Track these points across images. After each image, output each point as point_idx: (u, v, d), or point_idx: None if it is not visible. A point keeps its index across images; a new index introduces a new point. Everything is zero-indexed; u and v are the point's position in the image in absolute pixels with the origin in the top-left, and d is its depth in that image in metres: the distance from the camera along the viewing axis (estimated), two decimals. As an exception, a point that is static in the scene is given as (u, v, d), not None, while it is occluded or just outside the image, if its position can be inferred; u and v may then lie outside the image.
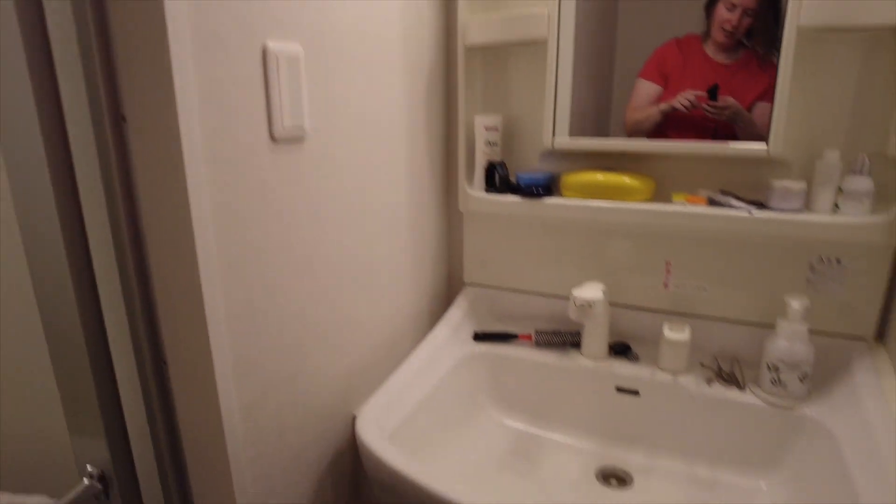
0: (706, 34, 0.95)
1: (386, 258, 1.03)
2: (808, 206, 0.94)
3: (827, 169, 0.91)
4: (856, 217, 0.90)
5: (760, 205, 0.96)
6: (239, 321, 0.70)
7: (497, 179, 1.11)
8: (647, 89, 1.00)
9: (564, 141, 1.06)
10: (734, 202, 0.96)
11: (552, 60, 1.02)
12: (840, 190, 0.92)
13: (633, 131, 1.02)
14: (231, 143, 0.66)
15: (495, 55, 1.13)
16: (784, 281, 1.01)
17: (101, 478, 0.75)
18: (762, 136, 0.92)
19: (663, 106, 0.98)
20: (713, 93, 0.95)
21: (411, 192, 1.09)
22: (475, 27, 1.06)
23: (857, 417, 0.86)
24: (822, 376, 0.96)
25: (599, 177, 1.03)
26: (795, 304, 0.92)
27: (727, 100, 0.94)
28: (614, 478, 0.98)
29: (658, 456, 1.01)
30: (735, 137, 0.95)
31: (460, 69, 1.11)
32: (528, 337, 1.14)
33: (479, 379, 1.12)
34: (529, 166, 1.16)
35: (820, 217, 0.92)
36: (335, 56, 0.82)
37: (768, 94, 0.90)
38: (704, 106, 0.95)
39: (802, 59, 0.88)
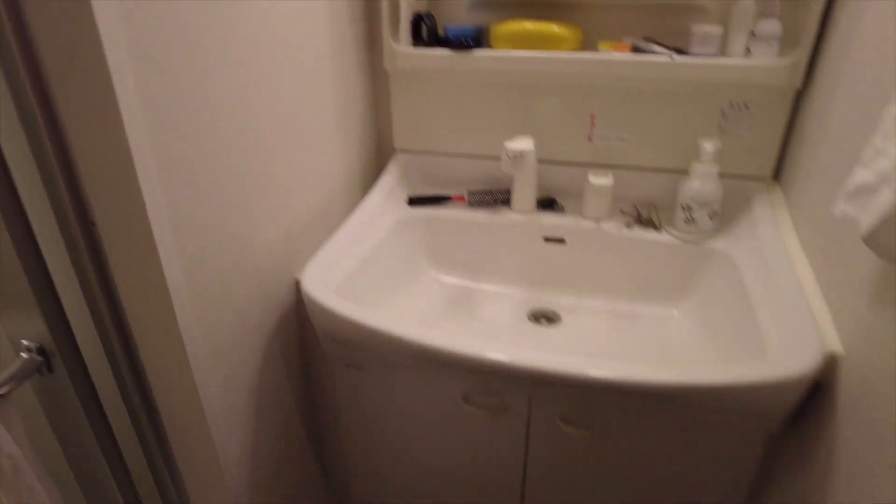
0: None
1: (313, 120, 0.99)
2: (723, 50, 0.98)
3: (742, 13, 0.95)
4: (765, 59, 0.96)
5: (680, 51, 0.99)
6: (171, 177, 0.66)
7: (425, 32, 1.07)
8: None
9: (493, -13, 1.02)
10: (656, 48, 0.98)
11: None
12: (752, 33, 0.96)
13: None
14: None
15: None
16: (698, 128, 1.07)
17: (41, 351, 0.72)
18: None
19: None
20: None
21: (333, 51, 1.03)
22: None
23: (754, 246, 0.97)
24: (727, 214, 1.06)
25: (529, 26, 1.02)
26: (708, 146, 0.98)
27: None
28: (544, 318, 1.07)
29: (583, 296, 1.10)
30: None
31: None
32: (461, 198, 1.16)
33: (416, 241, 1.14)
34: (457, 18, 1.12)
35: (734, 60, 0.96)
36: None
37: None
38: None
39: None
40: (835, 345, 0.73)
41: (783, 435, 0.82)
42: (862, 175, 0.62)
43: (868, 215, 0.59)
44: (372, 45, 1.18)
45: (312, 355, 1.07)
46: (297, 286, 0.99)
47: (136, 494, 0.82)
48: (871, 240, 0.57)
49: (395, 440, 1.06)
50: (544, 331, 1.04)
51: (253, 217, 0.84)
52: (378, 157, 1.31)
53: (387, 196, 1.16)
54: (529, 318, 1.07)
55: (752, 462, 0.85)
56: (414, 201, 1.17)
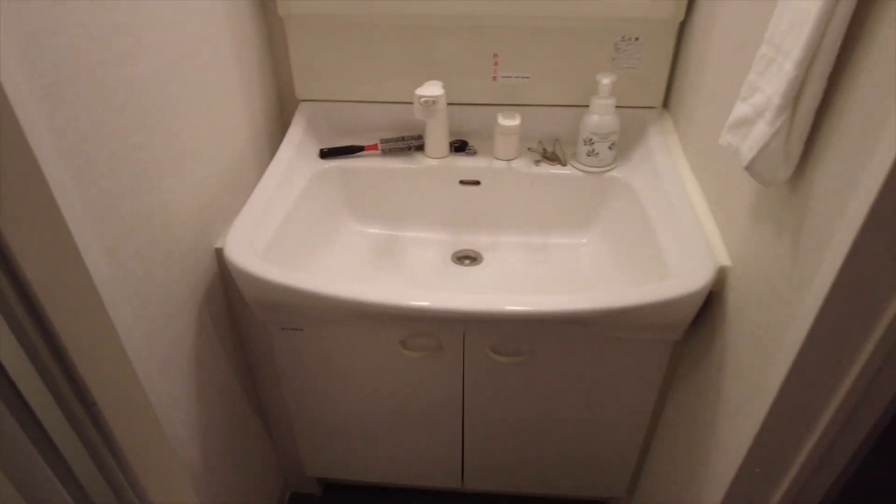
0: None
1: (212, 77, 0.94)
2: (614, -13, 1.02)
3: (630, -51, 0.99)
4: (652, -5, 1.01)
5: (575, -11, 1.02)
6: (74, 159, 0.62)
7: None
8: None
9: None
10: (554, -13, 1.01)
11: None
12: (640, -31, 1.00)
13: None
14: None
15: None
16: (595, 63, 1.12)
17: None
18: None
19: None
20: None
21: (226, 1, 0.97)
22: None
23: (650, 172, 1.06)
24: (624, 143, 1.14)
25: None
26: (605, 80, 1.04)
27: None
28: (467, 258, 1.12)
29: (501, 233, 1.16)
30: None
31: None
32: (375, 147, 1.16)
33: (334, 194, 1.14)
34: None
35: (624, -3, 1.01)
36: None
37: None
38: None
39: None
40: (724, 259, 0.84)
41: (684, 342, 0.94)
42: (741, 108, 0.70)
43: (747, 145, 0.67)
44: (262, -9, 1.11)
45: (245, 322, 1.07)
46: (218, 254, 0.96)
47: (85, 494, 0.80)
48: (751, 168, 0.65)
49: (339, 394, 1.10)
50: (468, 270, 1.09)
51: (163, 190, 0.81)
52: (282, 109, 1.26)
53: (297, 150, 1.13)
54: (454, 260, 1.11)
55: (660, 367, 0.97)
56: (326, 153, 1.15)
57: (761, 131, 0.63)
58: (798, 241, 0.64)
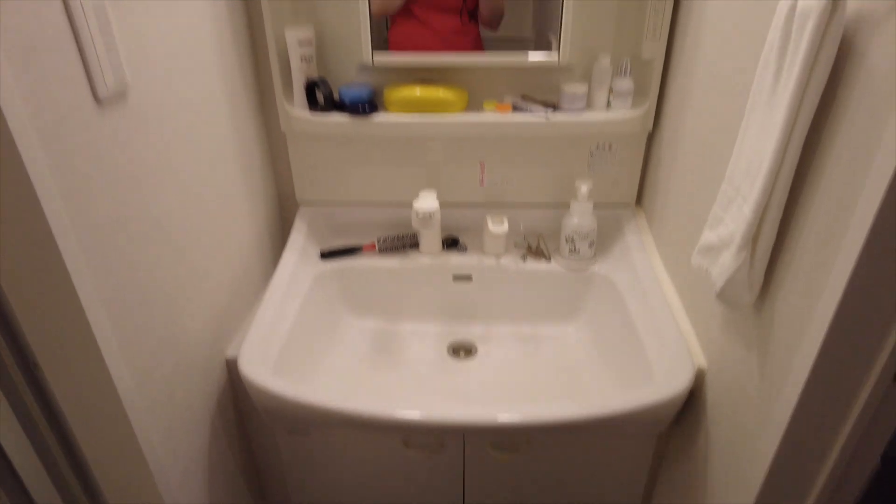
0: None
1: (220, 191, 1.01)
2: (589, 104, 1.14)
3: (601, 72, 1.11)
4: (622, 112, 1.13)
5: (554, 106, 1.13)
6: (112, 303, 0.68)
7: (320, 97, 1.11)
8: None
9: (384, 58, 1.09)
10: (533, 107, 1.12)
11: (362, -23, 1.01)
12: (611, 89, 1.12)
13: (386, 5, 1.07)
14: (55, 115, 0.59)
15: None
16: (572, 166, 1.23)
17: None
18: (500, 8, 1.09)
19: None
20: None
21: (232, 118, 1.05)
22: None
23: (628, 267, 1.15)
24: (603, 239, 1.23)
25: (418, 91, 1.10)
26: (583, 187, 1.14)
27: None
28: (463, 350, 1.18)
29: (493, 325, 1.23)
30: (477, 9, 1.09)
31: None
32: (372, 246, 1.23)
33: (335, 294, 1.20)
34: (347, 77, 1.17)
35: (598, 115, 1.12)
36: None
37: None
38: None
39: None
40: (700, 359, 0.92)
41: (667, 433, 1.01)
42: (708, 236, 0.79)
43: (717, 271, 0.76)
44: (264, 107, 1.20)
45: (254, 426, 1.10)
46: (229, 365, 1.01)
47: None
48: (722, 296, 0.74)
49: (343, 491, 1.13)
50: (464, 365, 1.15)
51: (185, 315, 0.86)
52: (281, 209, 1.33)
53: (300, 255, 1.20)
54: (449, 352, 1.18)
55: (646, 457, 1.04)
56: (326, 255, 1.22)
57: (727, 263, 0.72)
58: (765, 357, 0.73)
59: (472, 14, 1.10)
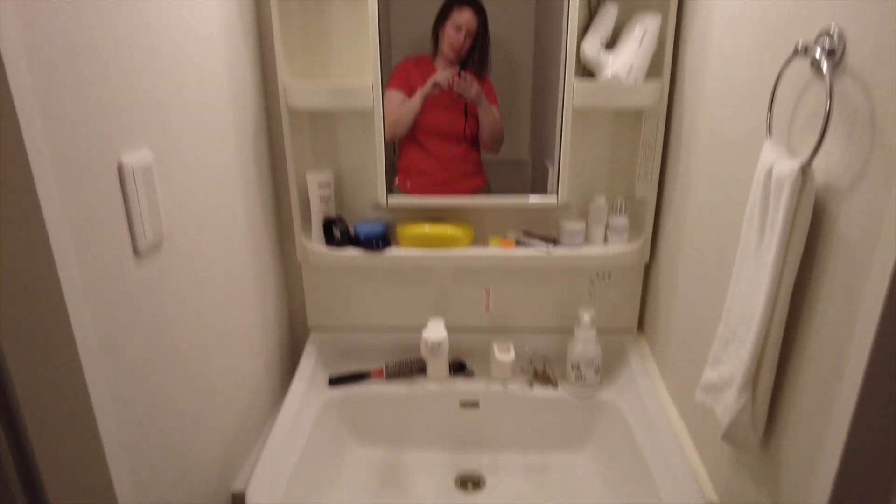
0: (434, 53, 1.15)
1: (237, 321, 1.05)
2: (587, 239, 1.21)
3: (597, 211, 1.19)
4: (619, 247, 1.20)
5: (554, 241, 1.20)
6: (129, 432, 0.69)
7: (338, 234, 1.19)
8: (397, 97, 1.16)
9: (397, 199, 1.18)
10: (536, 243, 1.19)
11: (379, 128, 1.12)
12: (608, 225, 1.20)
13: (395, 132, 1.17)
14: (99, 271, 0.65)
15: (323, 117, 1.19)
16: (574, 293, 1.28)
17: None
18: (496, 119, 1.17)
19: (425, 87, 1.14)
20: (464, 64, 1.14)
21: (253, 252, 1.11)
22: (299, 94, 1.11)
23: (634, 395, 1.16)
24: (608, 364, 1.26)
25: (428, 228, 1.18)
26: (586, 315, 1.18)
27: (471, 78, 1.14)
28: (470, 482, 1.17)
29: (501, 454, 1.22)
30: (477, 119, 1.18)
31: (286, 131, 1.15)
32: (380, 372, 1.25)
33: (342, 423, 1.20)
34: (362, 214, 1.26)
35: (596, 249, 1.19)
36: (178, 149, 0.82)
37: (490, 96, 1.15)
38: (457, 80, 1.14)
39: (575, 131, 1.12)
40: (711, 495, 0.91)
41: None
42: (710, 374, 0.82)
43: (720, 410, 0.78)
44: (282, 237, 1.28)
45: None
46: (235, 499, 1.00)
47: None
48: (727, 437, 0.75)
49: None
50: (471, 499, 1.13)
51: (198, 447, 0.87)
52: (292, 335, 1.37)
53: (308, 382, 1.21)
54: (457, 485, 1.16)
55: None
56: (334, 381, 1.24)
57: (730, 403, 0.75)
58: (777, 496, 0.73)
59: (475, 140, 1.20)
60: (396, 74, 1.14)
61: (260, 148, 1.15)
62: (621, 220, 1.18)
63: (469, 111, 1.17)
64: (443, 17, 1.11)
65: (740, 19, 0.84)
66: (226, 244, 0.99)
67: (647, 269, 1.27)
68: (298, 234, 1.22)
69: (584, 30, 1.08)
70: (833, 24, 0.62)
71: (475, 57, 1.13)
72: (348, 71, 1.15)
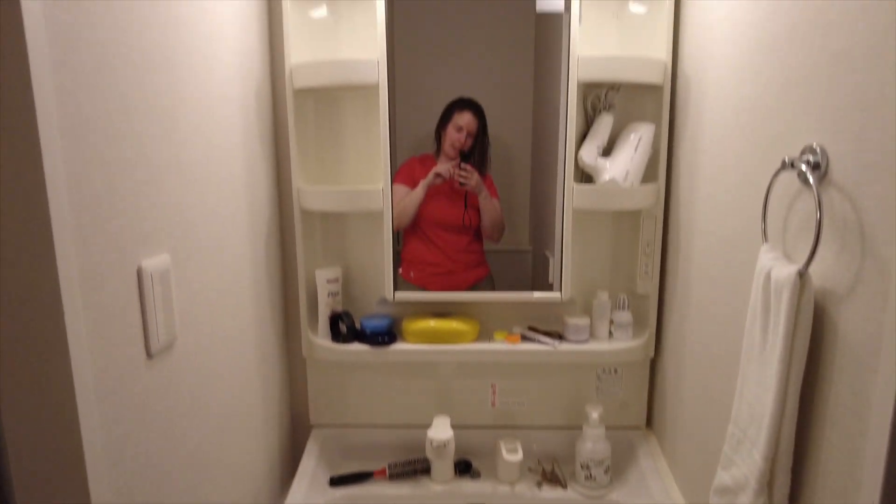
0: (437, 152, 1.22)
1: (242, 419, 1.04)
2: (592, 334, 1.22)
3: (600, 306, 1.21)
4: (624, 342, 1.20)
5: (560, 336, 1.21)
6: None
7: (344, 329, 1.20)
8: (402, 191, 1.21)
9: (404, 295, 1.20)
10: (541, 338, 1.20)
11: (388, 227, 1.16)
12: (612, 321, 1.21)
13: (400, 223, 1.21)
14: (112, 374, 0.65)
15: (334, 217, 1.23)
16: (580, 389, 1.27)
17: None
18: (496, 210, 1.21)
19: (427, 177, 1.19)
20: (465, 157, 1.19)
21: (259, 349, 1.12)
22: (313, 197, 1.16)
23: (646, 495, 1.13)
24: (617, 462, 1.22)
25: (433, 323, 1.19)
26: (594, 413, 1.17)
27: (471, 169, 1.19)
28: None
29: (509, 562, 1.16)
30: (478, 209, 1.22)
31: (298, 231, 1.19)
32: (383, 472, 1.22)
33: (344, 526, 1.16)
34: (368, 308, 1.27)
35: (601, 345, 1.20)
36: (195, 252, 0.85)
37: (491, 189, 1.21)
38: (458, 171, 1.18)
39: (576, 230, 1.16)
40: None
41: None
42: (722, 476, 0.80)
43: (737, 517, 0.75)
44: (288, 333, 1.29)
45: None
46: None
47: None
48: (746, 547, 0.73)
49: None
50: None
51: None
52: (293, 431, 1.34)
53: (309, 482, 1.18)
54: None
55: None
56: (336, 481, 1.20)
57: (746, 509, 0.73)
58: None
59: (477, 231, 1.24)
60: (402, 171, 1.20)
61: (272, 247, 1.19)
62: (625, 316, 1.20)
63: (469, 201, 1.22)
64: (445, 119, 1.19)
65: (730, 130, 0.90)
66: (234, 342, 1.00)
67: (653, 364, 1.27)
68: (305, 330, 1.23)
69: (582, 137, 1.15)
70: (815, 142, 0.67)
71: (475, 155, 1.20)
72: (358, 172, 1.21)
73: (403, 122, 1.18)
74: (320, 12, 1.17)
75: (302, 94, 1.16)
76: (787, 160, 0.70)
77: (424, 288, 1.23)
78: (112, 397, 0.65)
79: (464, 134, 1.19)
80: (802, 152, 0.69)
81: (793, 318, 0.66)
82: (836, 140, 0.64)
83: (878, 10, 0.58)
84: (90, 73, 0.62)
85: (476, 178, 1.19)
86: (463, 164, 1.18)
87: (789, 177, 0.73)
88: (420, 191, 1.20)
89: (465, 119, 1.18)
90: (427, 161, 1.22)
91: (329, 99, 1.20)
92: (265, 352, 1.16)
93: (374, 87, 1.10)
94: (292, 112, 1.15)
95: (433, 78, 1.19)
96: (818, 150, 0.67)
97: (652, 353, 1.23)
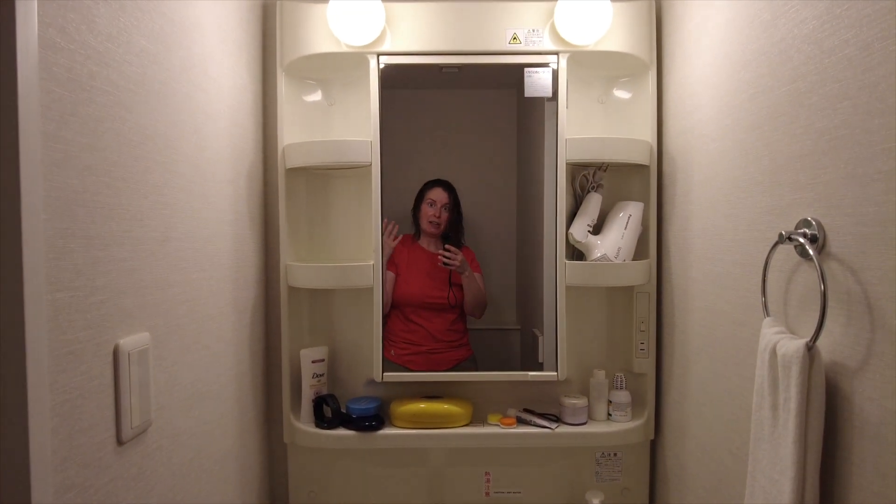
0: (417, 233, 1.22)
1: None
2: (590, 415, 1.17)
3: (598, 386, 1.17)
4: (623, 424, 1.16)
5: (556, 418, 1.16)
6: None
7: (329, 413, 1.13)
8: (386, 275, 1.19)
9: (394, 376, 1.15)
10: (538, 420, 1.14)
11: (378, 304, 1.13)
12: (609, 401, 1.17)
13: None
14: (76, 463, 0.59)
15: (321, 294, 1.20)
16: (579, 474, 1.21)
17: None
18: (479, 285, 1.20)
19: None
20: (446, 238, 1.19)
21: (239, 434, 1.05)
22: (300, 272, 1.14)
23: None
24: (622, 559, 1.14)
25: (424, 406, 1.14)
26: (595, 501, 1.11)
27: (456, 250, 1.18)
28: None
29: None
30: (461, 286, 1.19)
31: (283, 309, 1.15)
32: (369, 574, 1.12)
33: None
34: (356, 390, 1.22)
35: (600, 426, 1.15)
36: (176, 329, 0.81)
37: (473, 264, 1.20)
38: (442, 253, 1.17)
39: (569, 308, 1.15)
40: None
41: None
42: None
43: None
44: (270, 418, 1.22)
45: None
46: None
47: None
48: None
49: None
50: None
51: None
52: (272, 529, 1.24)
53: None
54: None
55: None
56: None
57: None
58: None
59: (460, 310, 1.21)
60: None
61: (256, 326, 1.15)
62: (623, 396, 1.16)
63: (454, 280, 1.20)
64: (419, 199, 1.21)
65: (720, 207, 0.91)
66: (212, 427, 0.94)
67: (654, 446, 1.21)
68: (287, 414, 1.16)
69: (571, 216, 1.16)
70: (810, 216, 0.67)
71: (453, 233, 1.20)
72: (346, 251, 1.20)
73: (386, 202, 1.18)
74: (315, 97, 1.20)
75: (294, 173, 1.16)
76: (783, 234, 0.70)
77: (407, 367, 1.19)
78: (74, 491, 0.59)
79: (437, 208, 1.20)
80: (798, 226, 0.69)
81: (805, 393, 0.63)
82: (832, 213, 0.64)
83: (861, 92, 0.60)
84: (82, 148, 0.60)
85: (461, 258, 1.18)
86: (447, 246, 1.18)
87: (786, 251, 0.73)
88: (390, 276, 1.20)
89: (435, 194, 1.21)
90: (406, 241, 1.22)
91: (320, 179, 1.21)
92: (245, 439, 1.09)
93: (366, 168, 1.11)
94: (283, 190, 1.15)
95: (418, 159, 1.22)
96: (814, 223, 0.67)
97: (652, 435, 1.18)
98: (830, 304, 0.64)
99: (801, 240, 0.67)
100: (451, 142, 1.23)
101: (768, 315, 0.75)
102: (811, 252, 0.64)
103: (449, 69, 1.15)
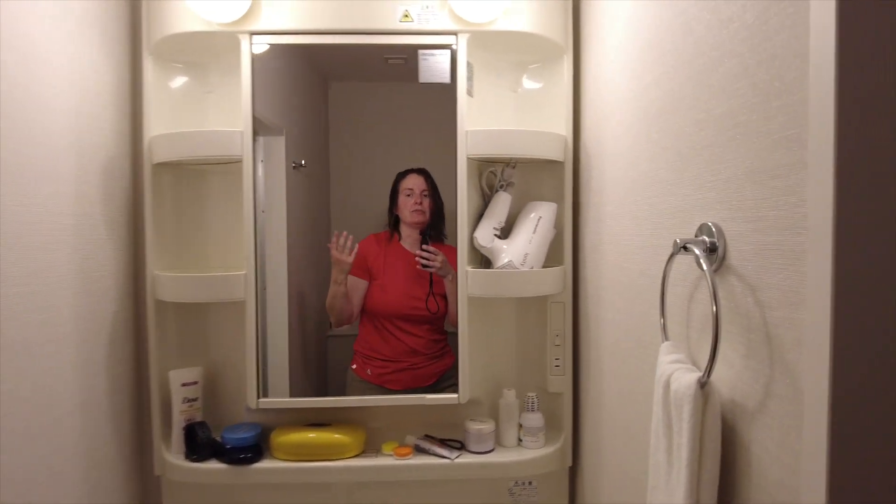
0: (396, 231, 1.08)
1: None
2: (499, 441, 1.05)
3: (507, 408, 1.04)
4: (535, 451, 1.03)
5: (461, 444, 1.03)
6: None
7: (198, 442, 0.99)
8: (355, 283, 1.06)
9: (272, 402, 1.01)
10: (437, 449, 1.01)
11: (251, 322, 0.99)
12: (520, 425, 1.05)
13: (339, 319, 1.07)
14: None
15: (193, 309, 1.05)
16: (491, 507, 1.08)
17: None
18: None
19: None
20: (425, 238, 1.04)
21: (96, 469, 0.90)
22: (165, 283, 0.99)
23: None
24: None
25: (310, 435, 1.00)
26: (503, 539, 0.97)
27: (435, 249, 1.04)
28: None
29: None
30: (444, 294, 1.06)
31: (150, 323, 1.00)
32: None
33: None
34: (237, 416, 1.07)
35: (508, 456, 1.03)
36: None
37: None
38: (419, 253, 1.03)
39: (474, 321, 1.02)
40: None
41: None
42: None
43: None
44: (142, 449, 1.06)
45: None
46: None
47: None
48: None
49: None
50: None
51: None
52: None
53: None
54: None
55: None
56: None
57: None
58: None
59: (441, 319, 1.08)
60: (356, 259, 1.05)
61: (117, 347, 0.99)
62: (535, 419, 1.03)
63: (435, 286, 1.06)
64: (394, 192, 1.07)
65: (626, 208, 0.79)
66: (51, 470, 0.78)
67: (573, 473, 1.09)
68: (158, 443, 1.01)
69: (479, 217, 1.03)
70: (710, 221, 0.55)
71: (431, 230, 1.06)
72: (224, 257, 1.06)
73: (340, 201, 1.06)
74: (185, 82, 1.05)
75: (161, 168, 1.01)
76: (678, 242, 0.58)
77: (384, 387, 1.06)
78: None
79: (417, 195, 1.05)
80: (697, 232, 0.58)
81: (697, 439, 0.51)
82: (734, 218, 0.52)
83: (759, 68, 0.48)
84: None
85: (441, 258, 1.04)
86: (424, 246, 1.04)
87: (689, 261, 0.61)
88: (342, 287, 1.05)
89: (412, 181, 1.06)
90: (382, 240, 1.08)
91: (195, 176, 1.06)
92: (102, 474, 0.93)
93: (240, 163, 0.97)
94: (149, 189, 1.00)
95: (363, 155, 1.08)
96: (714, 229, 0.55)
97: (569, 462, 1.06)
98: (730, 329, 0.52)
99: (697, 250, 0.55)
100: (398, 137, 1.09)
101: (667, 339, 0.63)
102: (704, 266, 0.52)
103: (395, 60, 1.01)
